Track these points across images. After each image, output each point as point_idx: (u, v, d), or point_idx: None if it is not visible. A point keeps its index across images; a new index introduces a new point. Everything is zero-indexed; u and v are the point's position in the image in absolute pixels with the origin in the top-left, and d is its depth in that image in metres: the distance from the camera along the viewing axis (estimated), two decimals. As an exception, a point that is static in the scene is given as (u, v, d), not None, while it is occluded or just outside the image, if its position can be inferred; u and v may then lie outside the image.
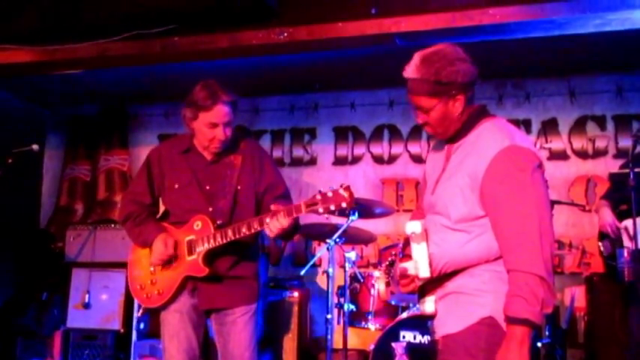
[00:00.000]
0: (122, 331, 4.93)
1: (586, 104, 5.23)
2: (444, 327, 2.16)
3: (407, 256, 2.25)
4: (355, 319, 4.20)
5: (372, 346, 3.82)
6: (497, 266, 2.07)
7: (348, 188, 2.63)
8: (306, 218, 4.30)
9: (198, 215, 2.94)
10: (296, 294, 4.88)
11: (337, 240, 4.01)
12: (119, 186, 6.02)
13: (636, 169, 3.60)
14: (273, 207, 2.76)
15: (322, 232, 4.23)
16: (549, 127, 5.28)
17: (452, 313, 2.14)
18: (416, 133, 5.53)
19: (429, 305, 2.20)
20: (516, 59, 4.91)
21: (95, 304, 5.03)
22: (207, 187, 3.01)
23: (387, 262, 2.10)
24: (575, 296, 4.73)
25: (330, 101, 5.78)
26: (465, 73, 2.15)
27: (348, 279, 4.11)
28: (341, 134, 5.75)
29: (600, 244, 4.09)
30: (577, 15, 3.72)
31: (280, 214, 2.71)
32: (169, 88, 5.44)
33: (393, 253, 2.10)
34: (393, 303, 4.04)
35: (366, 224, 4.51)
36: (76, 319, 5.05)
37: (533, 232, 2.00)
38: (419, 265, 2.14)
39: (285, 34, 4.09)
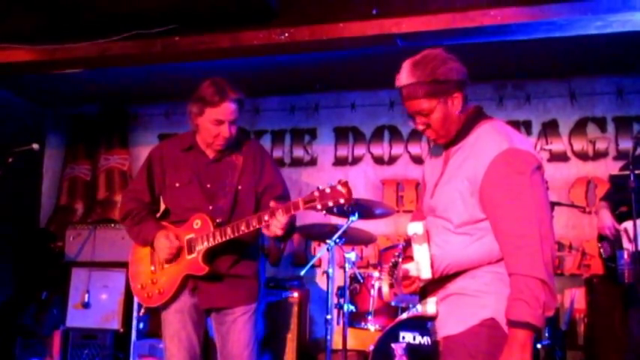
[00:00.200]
0: (121, 330, 4.93)
1: (586, 106, 5.23)
2: (445, 328, 2.16)
3: (408, 258, 2.25)
4: (355, 319, 4.20)
5: (371, 347, 3.82)
6: (499, 268, 2.07)
7: (345, 184, 2.62)
8: (307, 219, 4.32)
9: (197, 214, 2.93)
10: (296, 294, 4.88)
11: (337, 240, 4.01)
12: (119, 186, 6.02)
13: (637, 171, 3.59)
14: (271, 204, 2.76)
15: (322, 233, 4.23)
16: (550, 129, 5.28)
17: (453, 315, 2.14)
18: (416, 134, 5.52)
19: (430, 306, 2.20)
20: (517, 60, 4.92)
21: (95, 303, 5.03)
22: (208, 186, 3.01)
23: (391, 264, 2.09)
24: (575, 298, 4.74)
25: (331, 102, 5.78)
26: (458, 71, 2.16)
27: (347, 279, 4.11)
28: (341, 135, 5.74)
29: (600, 245, 4.09)
30: (578, 16, 3.72)
31: (279, 211, 2.71)
32: (170, 87, 5.45)
33: (396, 254, 2.09)
34: (395, 304, 4.05)
35: (366, 225, 4.51)
36: (76, 319, 5.05)
37: (533, 235, 2.00)
38: (420, 267, 2.14)
39: (286, 35, 4.09)
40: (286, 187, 3.16)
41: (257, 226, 2.78)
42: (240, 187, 3.00)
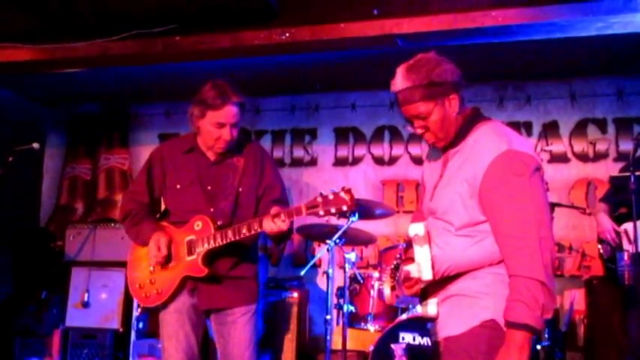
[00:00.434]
0: (121, 330, 4.93)
1: (587, 107, 5.23)
2: (445, 329, 2.16)
3: (408, 259, 2.25)
4: (354, 320, 4.19)
5: (371, 348, 3.81)
6: (499, 269, 2.07)
7: (349, 191, 2.61)
8: (307, 219, 4.31)
9: (198, 215, 2.93)
10: (295, 294, 4.88)
11: (337, 241, 4.01)
12: (119, 185, 6.02)
13: (637, 173, 3.59)
14: (273, 209, 2.76)
15: (322, 233, 4.23)
16: (550, 130, 5.28)
17: (454, 316, 2.14)
18: (416, 134, 5.51)
19: (431, 307, 2.20)
20: (518, 61, 4.91)
21: (94, 303, 5.03)
22: (209, 188, 3.01)
23: (392, 266, 2.09)
24: (575, 299, 4.73)
25: (331, 102, 5.78)
26: (452, 72, 2.16)
27: (347, 280, 4.10)
28: (342, 135, 5.74)
29: (600, 247, 4.09)
30: (579, 18, 3.72)
31: (280, 216, 2.71)
32: (170, 87, 5.45)
33: (397, 256, 2.09)
34: (399, 306, 4.04)
35: (366, 225, 4.51)
36: (75, 318, 5.05)
37: (532, 236, 2.00)
38: (421, 268, 2.14)
39: (287, 35, 4.09)
40: (285, 190, 3.16)
41: (258, 230, 2.78)
42: (241, 190, 3.00)
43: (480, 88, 5.25)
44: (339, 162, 5.73)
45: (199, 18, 4.23)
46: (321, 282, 5.30)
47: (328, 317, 4.07)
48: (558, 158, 5.22)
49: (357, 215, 4.02)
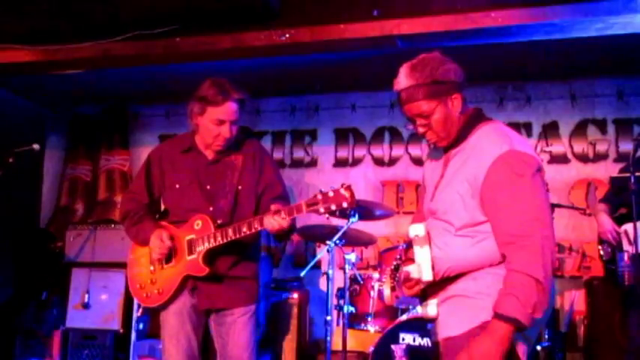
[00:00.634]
0: (121, 331, 4.93)
1: (587, 108, 5.23)
2: (445, 329, 2.16)
3: (409, 260, 2.25)
4: (355, 321, 4.19)
5: (371, 348, 3.81)
6: (500, 270, 2.07)
7: (349, 188, 2.61)
8: (307, 220, 4.31)
9: (198, 214, 2.93)
10: (296, 295, 4.88)
11: (337, 242, 4.00)
12: (120, 186, 6.02)
13: (637, 173, 3.59)
14: (273, 207, 2.76)
15: (322, 234, 4.23)
16: (550, 131, 5.28)
17: (454, 316, 2.14)
18: (417, 135, 5.49)
19: (431, 308, 2.20)
20: (518, 62, 4.92)
21: (95, 304, 5.03)
22: (208, 187, 3.01)
23: (392, 267, 2.10)
24: (575, 300, 4.73)
25: (331, 103, 5.78)
26: (456, 72, 2.17)
27: (347, 281, 4.10)
28: (342, 136, 5.74)
29: (600, 247, 4.09)
30: (579, 18, 3.72)
31: (281, 213, 2.71)
32: (171, 88, 5.44)
33: (398, 257, 2.10)
34: (399, 307, 4.04)
35: (366, 226, 4.51)
36: (76, 319, 5.05)
37: (534, 234, 2.00)
38: (422, 269, 2.14)
39: (287, 36, 4.09)
40: (285, 186, 3.15)
41: (259, 228, 2.78)
42: (240, 187, 3.00)
43: (479, 89, 5.25)
44: (339, 163, 5.73)
45: (200, 19, 4.23)
46: (321, 283, 5.30)
47: (328, 318, 4.07)
48: (558, 159, 5.22)
49: (357, 216, 4.02)
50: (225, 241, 2.83)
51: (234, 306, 2.95)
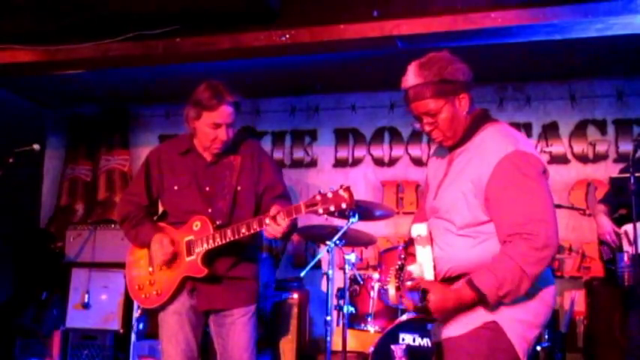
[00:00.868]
0: (121, 331, 4.93)
1: (587, 108, 5.24)
2: (447, 330, 2.17)
3: (411, 255, 2.25)
4: (354, 321, 4.20)
5: (371, 349, 3.82)
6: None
7: (347, 189, 2.61)
8: (307, 220, 4.31)
9: (197, 216, 2.93)
10: (296, 295, 4.88)
11: (337, 242, 4.01)
12: (120, 186, 6.02)
13: (637, 174, 3.59)
14: (272, 209, 2.75)
15: (322, 234, 4.23)
16: (550, 131, 5.29)
17: (455, 317, 2.13)
18: (416, 135, 5.53)
19: None
20: (517, 63, 4.92)
21: (94, 304, 5.03)
22: (207, 189, 3.00)
23: (397, 267, 2.10)
24: (575, 300, 4.73)
25: (331, 103, 5.78)
26: (464, 72, 2.17)
27: (347, 281, 4.11)
28: (342, 136, 5.75)
29: (600, 248, 4.09)
30: (579, 19, 3.72)
31: (280, 214, 2.71)
32: (171, 88, 5.44)
33: (402, 256, 2.10)
34: (399, 307, 4.05)
35: (366, 226, 4.51)
36: (76, 319, 5.05)
37: (539, 235, 2.01)
38: (424, 269, 2.15)
39: (287, 36, 4.09)
40: (285, 185, 3.15)
41: (258, 229, 2.78)
42: (239, 188, 2.99)
43: (479, 89, 5.20)
44: (339, 163, 5.73)
45: (200, 19, 4.23)
46: (322, 283, 5.30)
47: (328, 318, 4.07)
48: (558, 159, 5.22)
49: (357, 216, 4.03)
50: (224, 242, 2.83)
51: (233, 307, 2.95)
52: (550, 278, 2.20)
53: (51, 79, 5.36)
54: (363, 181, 5.60)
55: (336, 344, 4.18)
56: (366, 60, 4.81)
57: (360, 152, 5.69)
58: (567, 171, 5.21)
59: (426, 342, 3.64)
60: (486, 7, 3.81)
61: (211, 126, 2.92)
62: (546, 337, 4.07)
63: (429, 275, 2.13)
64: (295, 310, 4.84)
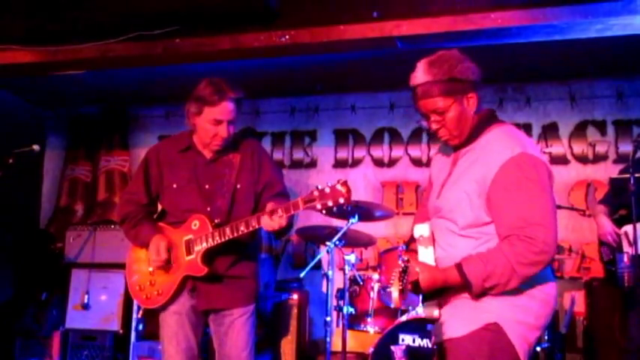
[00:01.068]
0: (121, 332, 4.93)
1: (586, 109, 5.24)
2: (448, 331, 2.16)
3: (412, 251, 2.24)
4: (354, 321, 4.19)
5: (371, 349, 3.81)
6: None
7: (345, 184, 2.60)
8: (307, 220, 4.32)
9: (196, 214, 2.93)
10: (295, 296, 4.88)
11: (337, 242, 4.01)
12: (119, 187, 6.02)
13: (637, 174, 3.60)
14: (269, 205, 2.75)
15: (322, 235, 4.23)
16: (550, 132, 5.29)
17: (457, 318, 2.14)
18: (416, 136, 5.54)
19: (434, 309, 2.20)
20: (517, 63, 4.92)
21: (94, 304, 5.03)
22: (207, 187, 3.00)
23: (400, 269, 2.09)
24: (575, 301, 4.73)
25: (331, 104, 5.78)
26: (474, 71, 2.16)
27: (347, 282, 4.10)
28: (341, 137, 5.75)
29: (600, 248, 4.09)
30: (578, 20, 3.72)
31: (278, 211, 2.70)
32: (171, 89, 5.43)
33: (405, 258, 2.09)
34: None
35: (366, 227, 4.51)
36: (75, 320, 5.05)
37: (537, 238, 2.00)
38: None
39: (287, 37, 4.09)
40: (284, 184, 3.15)
41: (256, 227, 2.78)
42: (238, 186, 2.99)
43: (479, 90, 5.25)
44: (339, 164, 5.73)
45: (200, 20, 4.23)
46: (321, 284, 5.30)
47: (328, 319, 4.07)
48: (558, 160, 5.22)
49: (356, 217, 4.03)
50: (223, 240, 2.83)
51: (233, 306, 2.95)
52: (552, 280, 2.19)
53: (51, 80, 5.36)
54: (363, 182, 5.60)
55: (336, 345, 4.17)
56: (366, 60, 4.81)
57: (359, 153, 5.69)
58: (567, 172, 5.21)
59: (425, 343, 3.64)
60: (486, 7, 3.81)
61: (212, 122, 2.91)
62: (546, 337, 4.07)
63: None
64: (295, 310, 4.84)
